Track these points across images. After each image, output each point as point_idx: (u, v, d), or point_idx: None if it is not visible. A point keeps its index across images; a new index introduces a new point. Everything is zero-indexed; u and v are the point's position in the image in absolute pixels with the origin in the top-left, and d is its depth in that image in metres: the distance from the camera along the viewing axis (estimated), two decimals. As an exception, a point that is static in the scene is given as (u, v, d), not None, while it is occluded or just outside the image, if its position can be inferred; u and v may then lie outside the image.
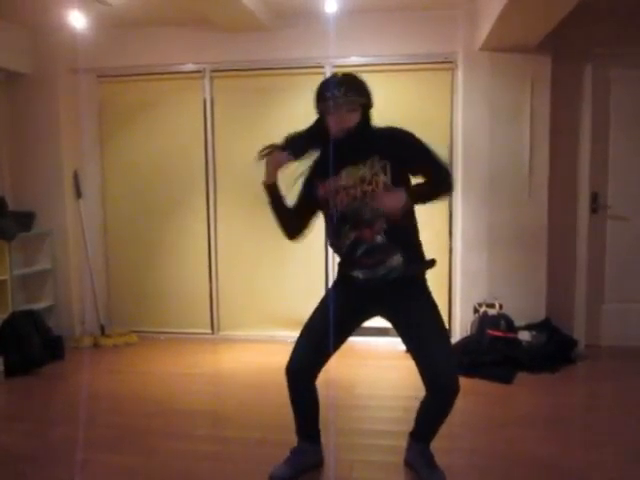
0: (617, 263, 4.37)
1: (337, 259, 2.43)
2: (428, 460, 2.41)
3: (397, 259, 2.20)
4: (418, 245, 2.35)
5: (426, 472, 2.38)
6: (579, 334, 4.28)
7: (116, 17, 4.33)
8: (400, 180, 2.20)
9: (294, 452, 2.50)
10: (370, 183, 2.18)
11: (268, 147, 2.35)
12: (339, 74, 2.28)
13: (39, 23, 4.46)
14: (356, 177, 2.20)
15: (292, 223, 2.38)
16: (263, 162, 2.37)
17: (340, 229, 2.25)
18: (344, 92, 2.16)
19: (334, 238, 2.30)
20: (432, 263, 2.35)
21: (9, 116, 4.71)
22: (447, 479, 2.35)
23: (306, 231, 2.41)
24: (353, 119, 2.19)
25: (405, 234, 2.27)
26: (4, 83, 4.66)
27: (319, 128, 2.25)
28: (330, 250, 4.57)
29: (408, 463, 2.50)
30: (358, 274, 2.24)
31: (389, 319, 2.34)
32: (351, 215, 2.21)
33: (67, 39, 4.53)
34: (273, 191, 2.36)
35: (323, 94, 2.21)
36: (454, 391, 2.21)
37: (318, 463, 2.53)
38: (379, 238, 2.19)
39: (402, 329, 2.30)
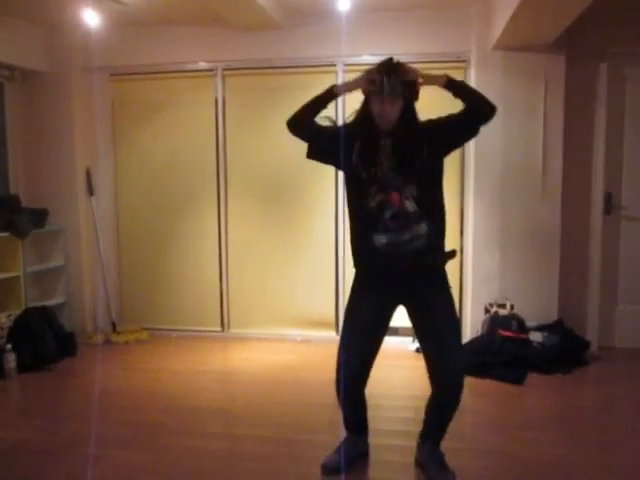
0: (631, 264, 4.33)
1: (349, 251, 2.43)
2: (438, 461, 2.42)
3: (423, 227, 2.21)
4: (443, 219, 2.36)
5: (436, 473, 2.39)
6: (592, 335, 4.24)
7: (129, 16, 4.35)
8: (436, 159, 2.27)
9: (345, 442, 2.56)
10: (406, 161, 2.23)
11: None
12: (393, 61, 2.26)
13: (54, 22, 4.49)
14: (389, 152, 2.23)
15: (309, 121, 2.34)
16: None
17: (367, 190, 2.23)
18: (392, 84, 2.17)
19: (359, 198, 2.27)
20: (453, 253, 2.35)
21: (23, 114, 4.75)
22: (458, 480, 2.34)
23: (305, 132, 2.38)
24: (395, 108, 2.20)
25: (433, 206, 2.29)
26: (19, 81, 4.70)
27: (364, 110, 2.27)
28: (340, 250, 4.57)
29: (419, 463, 2.51)
30: (381, 238, 2.21)
31: (408, 308, 2.35)
32: (381, 178, 2.21)
33: (81, 38, 4.56)
34: (330, 96, 2.34)
35: (371, 75, 2.22)
36: (460, 388, 2.30)
37: (365, 452, 2.62)
38: (408, 204, 2.20)
39: (419, 321, 2.33)
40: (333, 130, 2.35)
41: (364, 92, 2.27)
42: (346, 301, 2.45)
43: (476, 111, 2.27)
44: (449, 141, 2.32)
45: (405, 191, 2.20)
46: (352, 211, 2.37)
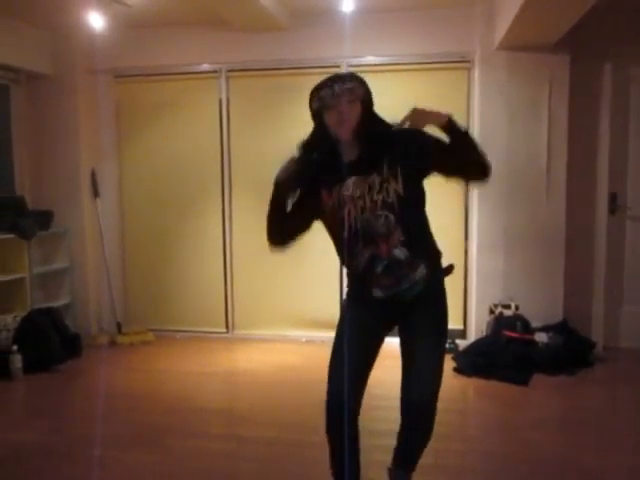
0: (636, 264, 4.31)
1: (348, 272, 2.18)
2: None
3: (421, 271, 1.97)
4: (437, 251, 2.14)
5: None
6: (597, 336, 4.23)
7: (133, 18, 4.37)
8: (413, 187, 1.98)
9: None
10: (380, 191, 1.92)
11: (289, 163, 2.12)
12: (335, 74, 2.06)
13: (58, 25, 4.51)
14: (364, 185, 1.94)
15: (283, 227, 2.17)
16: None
17: (353, 247, 1.97)
18: (341, 83, 1.94)
19: (348, 258, 2.01)
20: (451, 269, 2.16)
21: (28, 116, 4.77)
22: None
23: (291, 241, 2.19)
24: (354, 112, 1.93)
25: (424, 241, 2.07)
26: (23, 84, 4.72)
27: (321, 132, 2.02)
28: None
29: None
30: (377, 292, 1.98)
31: (399, 325, 2.13)
32: (362, 229, 1.94)
33: (86, 40, 4.58)
34: (281, 192, 2.15)
35: (317, 92, 2.00)
36: (428, 419, 2.07)
37: None
38: (397, 252, 1.94)
39: (403, 338, 2.11)
40: (305, 194, 2.09)
41: (313, 112, 2.05)
42: None
43: (467, 172, 2.05)
44: (424, 171, 2.01)
45: (392, 238, 1.93)
46: (345, 265, 2.10)
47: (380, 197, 1.93)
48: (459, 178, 2.11)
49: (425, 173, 2.01)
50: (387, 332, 2.12)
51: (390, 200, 1.92)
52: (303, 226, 2.14)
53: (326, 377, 2.07)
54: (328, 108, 1.96)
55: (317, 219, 2.10)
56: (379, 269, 1.95)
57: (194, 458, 2.69)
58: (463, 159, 1.97)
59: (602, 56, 4.15)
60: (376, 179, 1.94)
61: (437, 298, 2.10)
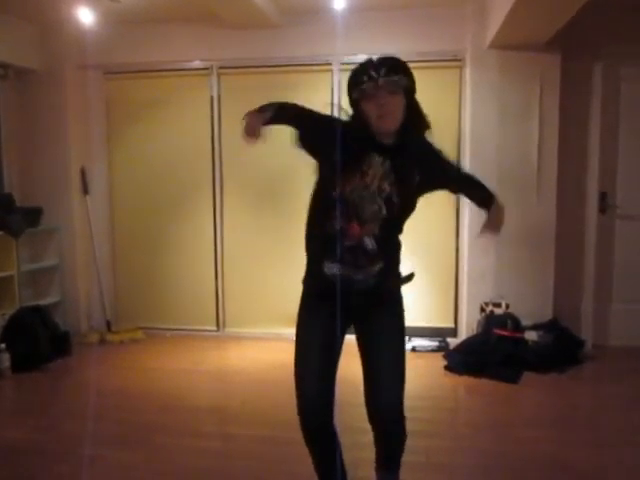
0: (625, 263, 4.35)
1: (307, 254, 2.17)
2: None
3: (378, 268, 1.95)
4: (398, 261, 2.08)
5: None
6: (586, 334, 4.25)
7: (124, 14, 4.33)
8: (413, 197, 1.97)
9: None
10: (390, 184, 1.88)
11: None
12: (376, 58, 1.89)
13: (48, 20, 4.47)
14: (382, 170, 1.88)
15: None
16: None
17: (331, 210, 1.90)
18: (385, 73, 1.81)
19: (324, 214, 1.94)
20: (411, 277, 2.09)
21: (17, 112, 4.72)
22: (452, 479, 2.34)
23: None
24: (399, 106, 1.85)
25: (392, 245, 2.02)
26: (12, 79, 4.67)
27: (358, 121, 1.89)
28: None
29: None
30: (332, 268, 1.94)
31: (356, 328, 2.09)
32: (351, 203, 1.88)
33: (75, 36, 4.54)
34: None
35: (360, 78, 1.84)
36: (398, 423, 2.04)
37: None
38: (367, 240, 1.91)
39: (363, 343, 2.06)
40: (324, 121, 1.97)
41: (351, 98, 1.90)
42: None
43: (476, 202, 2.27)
44: (430, 187, 2.02)
45: (366, 227, 1.90)
46: (313, 220, 2.07)
47: (387, 188, 1.89)
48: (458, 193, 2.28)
49: (428, 190, 2.02)
50: (345, 330, 2.05)
51: (391, 196, 1.89)
52: (301, 121, 1.98)
53: None
54: (368, 97, 1.84)
55: (313, 155, 1.98)
56: (346, 244, 1.91)
57: (185, 456, 2.67)
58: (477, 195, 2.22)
59: (593, 55, 4.17)
60: (393, 173, 1.89)
61: (394, 302, 2.07)
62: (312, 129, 1.96)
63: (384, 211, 1.90)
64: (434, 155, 1.99)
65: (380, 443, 2.14)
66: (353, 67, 1.91)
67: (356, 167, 1.88)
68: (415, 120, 1.92)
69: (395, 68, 1.85)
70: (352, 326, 2.09)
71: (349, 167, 1.87)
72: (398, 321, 2.06)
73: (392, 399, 1.99)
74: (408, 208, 1.97)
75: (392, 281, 2.04)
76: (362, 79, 1.83)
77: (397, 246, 2.06)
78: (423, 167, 1.94)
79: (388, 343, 2.01)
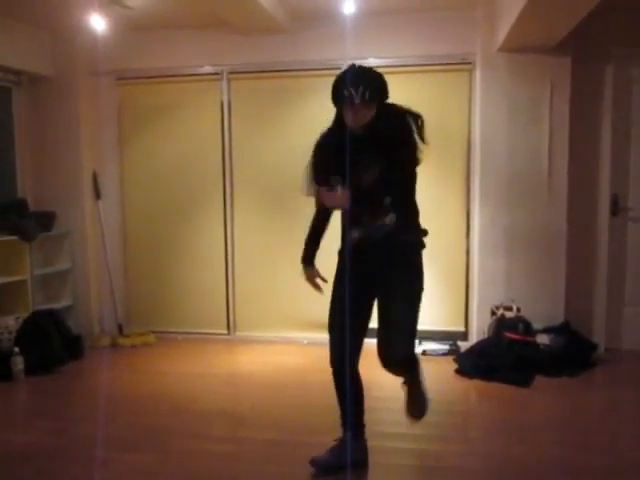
0: (638, 266, 4.31)
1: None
2: (416, 396, 2.48)
3: (390, 218, 2.32)
4: (411, 218, 2.42)
5: (411, 402, 2.49)
6: (599, 338, 4.22)
7: (136, 20, 4.38)
8: (396, 168, 2.30)
9: (338, 442, 2.51)
10: (374, 157, 2.30)
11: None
12: (356, 68, 2.30)
13: (60, 26, 4.52)
14: (366, 152, 2.30)
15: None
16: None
17: (357, 197, 2.30)
18: (362, 92, 2.20)
19: (353, 205, 2.33)
20: (425, 232, 2.44)
21: (30, 118, 4.78)
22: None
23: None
24: (370, 114, 2.26)
25: (401, 204, 2.36)
26: (26, 85, 4.74)
27: (338, 117, 2.36)
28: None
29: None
30: (355, 234, 2.39)
31: (377, 293, 2.41)
32: (364, 187, 2.29)
33: (87, 42, 4.59)
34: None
35: (340, 90, 2.26)
36: (403, 366, 2.38)
37: (361, 461, 2.52)
38: (387, 200, 2.30)
39: (378, 301, 2.40)
40: (321, 164, 2.44)
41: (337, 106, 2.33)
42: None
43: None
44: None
45: (369, 187, 2.29)
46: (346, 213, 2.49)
47: (372, 160, 2.29)
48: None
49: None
50: (371, 294, 2.41)
51: (377, 164, 2.28)
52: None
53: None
54: (347, 108, 2.26)
55: None
56: (365, 216, 2.35)
57: (195, 460, 2.68)
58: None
59: (604, 57, 4.15)
60: (372, 149, 2.29)
61: (411, 265, 2.39)
62: (321, 168, 2.42)
63: (377, 172, 2.27)
64: (396, 134, 2.30)
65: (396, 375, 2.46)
66: (337, 76, 2.31)
67: (353, 160, 2.27)
68: (383, 112, 2.29)
69: (368, 83, 2.23)
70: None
71: (350, 163, 2.26)
72: (409, 281, 2.37)
73: (398, 354, 2.32)
74: (397, 169, 2.30)
75: (404, 235, 2.36)
76: (342, 94, 2.23)
77: (408, 205, 2.40)
78: (392, 140, 2.29)
79: (396, 300, 2.33)
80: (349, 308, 2.35)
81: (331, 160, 2.36)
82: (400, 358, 2.34)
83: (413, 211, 2.43)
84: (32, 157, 4.82)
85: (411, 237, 2.40)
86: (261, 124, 4.69)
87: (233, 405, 3.45)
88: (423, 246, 2.42)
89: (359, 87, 2.20)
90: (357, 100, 2.20)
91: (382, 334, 2.35)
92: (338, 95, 2.28)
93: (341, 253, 2.52)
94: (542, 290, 4.22)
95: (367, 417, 2.62)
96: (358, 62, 3.84)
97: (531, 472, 2.53)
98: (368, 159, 2.30)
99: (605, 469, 2.56)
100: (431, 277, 4.40)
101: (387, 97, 2.33)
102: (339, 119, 2.36)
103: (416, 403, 2.48)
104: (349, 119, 2.28)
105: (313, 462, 2.47)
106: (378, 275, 2.39)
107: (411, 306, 2.36)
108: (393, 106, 2.34)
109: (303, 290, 4.66)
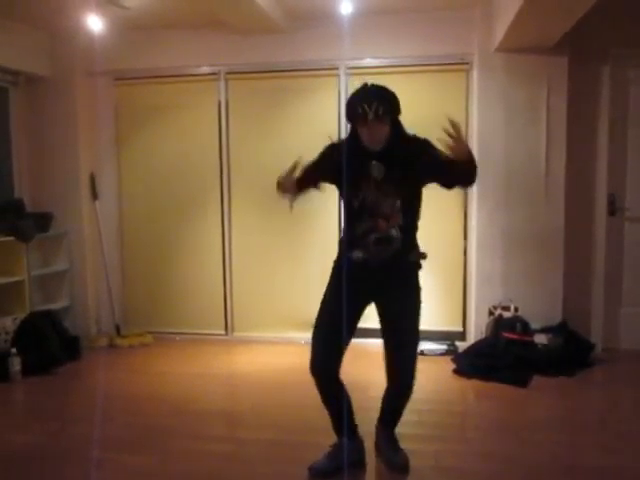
0: (635, 266, 4.32)
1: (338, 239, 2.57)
2: (394, 444, 2.61)
3: (396, 246, 2.39)
4: (414, 242, 2.50)
5: (392, 453, 2.58)
6: (596, 337, 4.23)
7: (133, 20, 4.37)
8: (414, 187, 2.41)
9: (334, 447, 2.55)
10: (393, 181, 2.35)
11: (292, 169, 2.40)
12: (369, 87, 2.34)
13: (57, 27, 4.52)
14: (381, 172, 2.35)
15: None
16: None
17: (361, 214, 2.39)
18: (375, 108, 2.24)
19: (354, 220, 2.42)
20: (424, 255, 2.51)
21: (27, 118, 4.77)
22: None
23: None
24: (385, 132, 2.31)
25: (410, 229, 2.45)
26: (22, 86, 4.72)
27: (353, 134, 2.39)
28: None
29: (377, 446, 2.66)
30: (359, 254, 2.40)
31: (377, 305, 2.50)
32: (371, 205, 2.36)
33: (84, 42, 4.58)
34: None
35: (355, 109, 2.29)
36: (409, 384, 2.47)
37: (358, 461, 2.57)
38: (393, 231, 2.37)
39: (382, 316, 2.49)
40: (327, 163, 2.45)
41: (349, 121, 2.37)
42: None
43: (461, 182, 2.43)
44: (425, 178, 2.42)
45: (391, 219, 2.36)
46: (348, 225, 2.51)
47: (391, 186, 2.35)
48: (450, 186, 2.42)
49: (425, 180, 2.42)
50: (364, 307, 2.49)
51: (397, 190, 2.35)
52: (312, 186, 2.51)
53: None
54: (361, 125, 2.30)
55: (331, 183, 2.50)
56: (372, 237, 2.37)
57: (194, 460, 2.68)
58: (463, 175, 2.32)
59: (601, 58, 4.16)
60: (390, 173, 2.35)
61: (410, 284, 2.48)
62: (323, 167, 2.45)
63: (398, 203, 2.36)
64: (423, 151, 2.35)
65: (389, 398, 2.58)
66: (350, 95, 2.38)
67: (363, 174, 2.35)
68: (397, 132, 2.36)
69: (383, 102, 2.28)
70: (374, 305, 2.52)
71: (357, 176, 2.34)
72: (413, 297, 2.48)
73: (406, 365, 2.45)
74: (414, 197, 2.42)
75: (407, 256, 2.45)
76: (357, 111, 2.28)
77: (414, 229, 2.49)
78: (414, 163, 2.34)
79: (403, 320, 2.44)
80: (338, 322, 2.38)
81: (335, 168, 2.37)
82: (409, 369, 2.46)
83: (415, 231, 2.50)
84: (29, 158, 4.81)
85: (412, 258, 2.47)
86: (259, 124, 4.69)
87: (232, 405, 3.45)
88: (420, 267, 2.51)
89: (372, 104, 2.24)
90: (371, 116, 2.24)
91: (392, 353, 2.46)
92: (352, 113, 2.31)
93: (337, 264, 2.52)
94: (540, 290, 4.23)
95: (364, 417, 2.62)
96: (354, 63, 3.87)
97: (530, 472, 2.54)
98: (386, 182, 2.34)
99: (603, 468, 2.56)
100: (429, 278, 4.41)
101: (399, 113, 2.36)
102: (354, 136, 2.37)
103: (397, 447, 2.60)
104: (365, 137, 2.31)
105: (312, 469, 2.49)
106: (377, 293, 2.46)
107: (417, 324, 2.48)
108: (404, 130, 2.40)
109: (301, 290, 4.70)
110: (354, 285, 2.38)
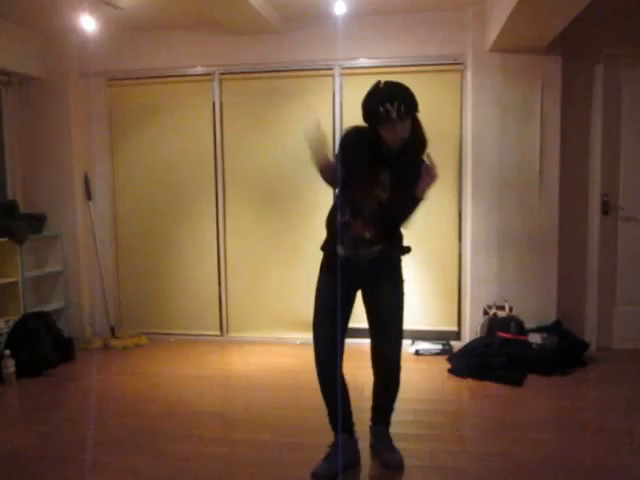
0: (629, 265, 4.34)
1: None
2: (388, 443, 2.61)
3: (377, 249, 2.41)
4: (397, 246, 2.54)
5: (387, 454, 2.57)
6: (590, 337, 4.25)
7: (126, 21, 4.36)
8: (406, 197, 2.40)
9: (333, 448, 2.53)
10: (389, 190, 2.37)
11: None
12: (385, 85, 2.28)
13: (50, 27, 4.50)
14: (385, 178, 2.37)
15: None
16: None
17: (345, 208, 2.41)
18: (397, 106, 2.20)
19: (340, 209, 2.44)
20: (409, 249, 2.55)
21: (20, 119, 4.75)
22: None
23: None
24: (407, 129, 2.28)
25: (391, 235, 2.48)
26: (16, 87, 4.71)
27: (372, 134, 2.32)
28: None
29: (372, 447, 2.65)
30: (340, 249, 2.43)
31: (362, 293, 2.54)
32: (357, 204, 2.38)
33: (78, 43, 4.57)
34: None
35: (376, 109, 2.23)
36: (395, 371, 2.53)
37: (356, 461, 2.57)
38: (367, 235, 2.39)
39: (367, 305, 2.53)
40: (344, 146, 2.41)
41: (366, 120, 2.31)
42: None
43: (403, 214, 2.45)
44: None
45: (370, 225, 2.38)
46: (332, 211, 2.53)
47: (383, 195, 2.36)
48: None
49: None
50: (354, 294, 2.53)
51: (387, 200, 2.35)
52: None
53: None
54: (384, 125, 2.24)
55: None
56: (347, 235, 2.40)
57: (188, 462, 2.67)
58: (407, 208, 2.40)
59: (594, 57, 4.18)
60: (391, 181, 2.36)
61: (393, 269, 2.52)
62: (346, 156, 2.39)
63: (382, 212, 2.36)
64: (418, 168, 2.36)
65: (378, 392, 2.60)
66: (367, 95, 2.29)
67: (368, 175, 2.35)
68: (417, 133, 2.34)
69: (404, 99, 2.23)
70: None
71: (363, 175, 2.35)
72: (397, 287, 2.52)
73: (392, 352, 2.50)
74: (402, 206, 2.39)
75: (391, 256, 2.50)
76: (378, 110, 2.21)
77: (397, 235, 2.52)
78: (414, 177, 2.35)
79: (388, 305, 2.48)
80: (334, 305, 2.41)
81: (358, 153, 2.34)
82: (394, 354, 2.51)
83: (400, 236, 2.56)
84: (22, 158, 4.79)
85: (396, 253, 2.53)
86: (253, 124, 4.68)
87: (227, 406, 3.44)
88: (400, 259, 2.56)
89: (394, 102, 2.19)
90: (394, 115, 2.19)
91: (377, 338, 2.51)
92: (373, 113, 2.24)
93: (325, 248, 2.55)
94: (534, 289, 4.24)
95: (359, 417, 2.63)
96: (348, 64, 3.84)
97: (525, 471, 2.54)
98: (390, 179, 2.35)
99: (598, 467, 2.57)
100: (423, 277, 4.45)
101: (418, 110, 2.30)
102: (371, 135, 2.31)
103: (392, 446, 2.59)
104: (389, 137, 2.26)
105: (314, 476, 2.44)
106: (361, 281, 2.50)
107: (400, 313, 2.51)
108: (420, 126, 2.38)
109: (295, 291, 4.70)
110: (342, 272, 2.42)
